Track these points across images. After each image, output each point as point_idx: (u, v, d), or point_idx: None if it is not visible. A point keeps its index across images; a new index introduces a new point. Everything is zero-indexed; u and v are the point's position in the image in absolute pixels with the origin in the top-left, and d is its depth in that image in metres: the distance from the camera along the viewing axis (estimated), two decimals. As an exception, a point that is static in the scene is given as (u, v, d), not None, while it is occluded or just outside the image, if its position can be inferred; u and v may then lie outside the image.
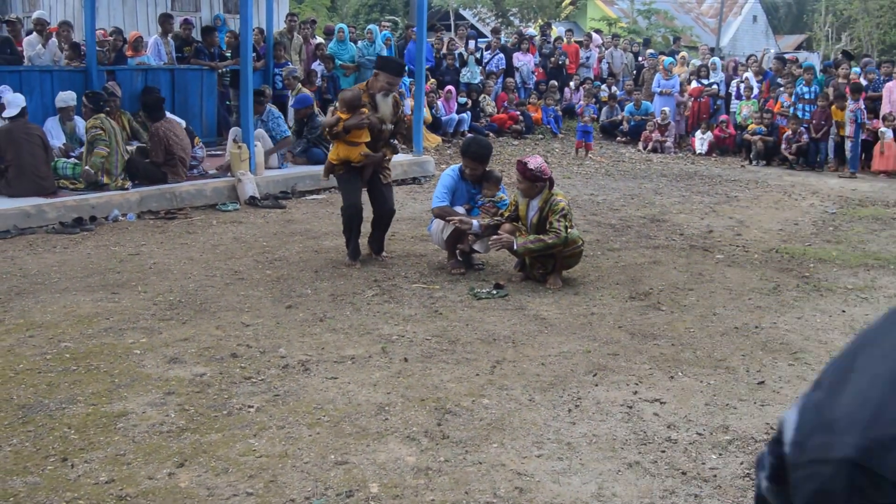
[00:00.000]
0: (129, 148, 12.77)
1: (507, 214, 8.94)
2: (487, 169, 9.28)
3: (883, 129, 18.06)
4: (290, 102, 15.92)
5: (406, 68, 9.69)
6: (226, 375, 6.15)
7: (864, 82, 19.25)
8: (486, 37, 24.26)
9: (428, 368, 6.38)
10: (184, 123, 13.59)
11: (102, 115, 12.10)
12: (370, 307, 7.90)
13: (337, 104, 9.25)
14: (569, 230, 8.53)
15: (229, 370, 6.26)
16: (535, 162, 8.54)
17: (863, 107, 18.28)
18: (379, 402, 5.73)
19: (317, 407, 5.64)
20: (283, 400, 5.75)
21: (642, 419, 5.60)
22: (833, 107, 18.62)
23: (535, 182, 8.57)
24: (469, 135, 18.20)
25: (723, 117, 21.18)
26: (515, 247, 8.55)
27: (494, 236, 8.67)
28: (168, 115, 13.17)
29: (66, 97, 12.84)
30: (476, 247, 9.16)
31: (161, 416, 5.47)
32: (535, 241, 8.51)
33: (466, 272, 9.14)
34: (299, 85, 16.11)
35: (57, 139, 12.91)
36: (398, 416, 5.53)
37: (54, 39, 15.39)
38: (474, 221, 8.87)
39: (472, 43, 23.00)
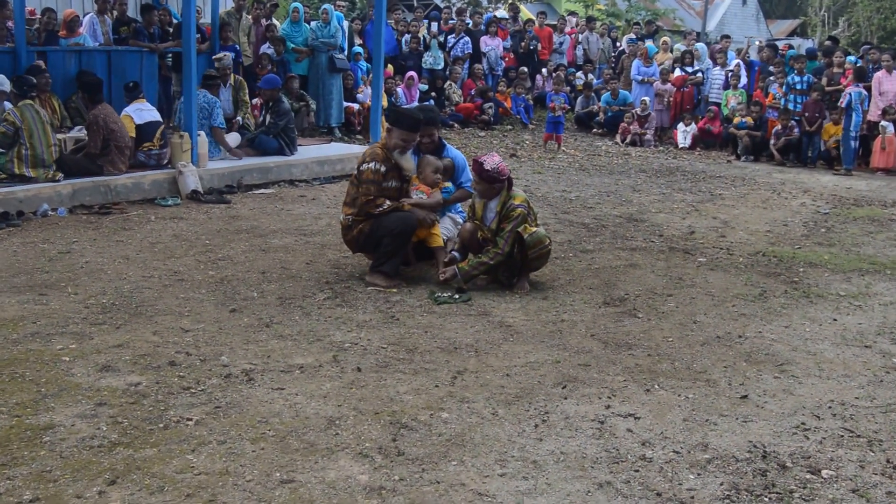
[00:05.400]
0: (59, 137, 12.65)
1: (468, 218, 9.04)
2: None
3: (883, 122, 18.10)
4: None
5: (423, 122, 9.31)
6: (163, 385, 6.15)
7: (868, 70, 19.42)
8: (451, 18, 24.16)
9: (383, 379, 6.40)
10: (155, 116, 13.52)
11: (30, 101, 11.96)
12: (321, 312, 7.91)
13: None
14: (532, 231, 8.58)
15: (166, 379, 6.25)
16: (491, 161, 8.56)
17: (864, 92, 18.35)
18: (329, 416, 5.74)
19: (261, 420, 5.65)
20: (225, 412, 5.75)
21: (615, 436, 5.64)
22: (829, 123, 18.76)
23: (492, 183, 8.62)
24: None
25: (712, 107, 21.20)
26: (459, 275, 8.67)
27: (440, 273, 8.83)
28: (140, 104, 13.27)
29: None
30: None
31: (91, 429, 5.46)
32: (477, 266, 8.68)
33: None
34: (233, 74, 16.03)
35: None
36: (350, 430, 5.55)
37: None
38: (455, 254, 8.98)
39: (434, 25, 22.95)
